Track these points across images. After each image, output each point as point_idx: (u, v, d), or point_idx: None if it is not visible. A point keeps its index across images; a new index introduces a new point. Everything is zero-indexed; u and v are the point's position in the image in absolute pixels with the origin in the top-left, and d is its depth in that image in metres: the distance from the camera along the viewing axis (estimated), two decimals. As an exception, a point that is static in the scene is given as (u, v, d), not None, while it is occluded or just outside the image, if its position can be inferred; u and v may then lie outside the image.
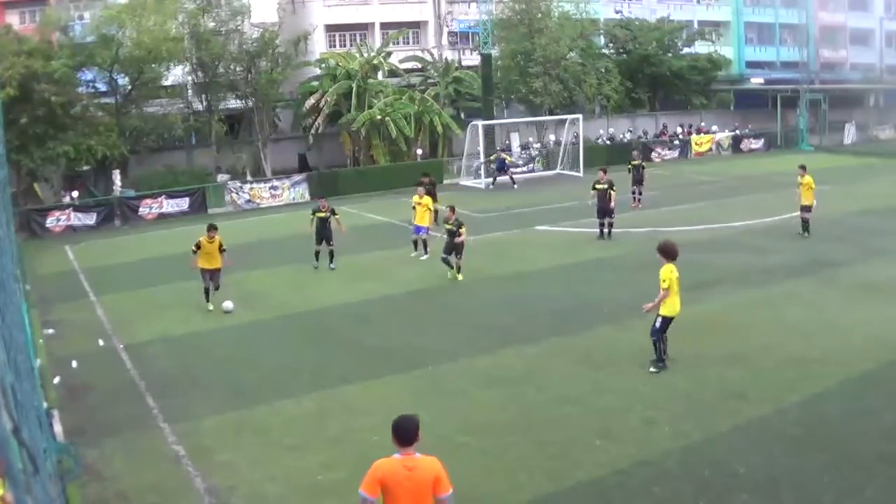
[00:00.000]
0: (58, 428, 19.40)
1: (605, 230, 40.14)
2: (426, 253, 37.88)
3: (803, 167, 38.71)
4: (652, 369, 21.76)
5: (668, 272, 21.85)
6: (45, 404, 17.26)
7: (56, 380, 23.56)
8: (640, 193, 49.03)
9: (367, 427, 19.42)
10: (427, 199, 38.55)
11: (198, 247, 30.50)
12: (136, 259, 41.07)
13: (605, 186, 39.85)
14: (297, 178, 61.52)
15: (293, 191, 59.96)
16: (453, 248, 33.02)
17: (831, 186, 38.38)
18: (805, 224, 38.47)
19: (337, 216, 36.64)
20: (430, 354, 24.33)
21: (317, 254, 36.39)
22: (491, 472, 17.22)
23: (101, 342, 26.89)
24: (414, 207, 38.73)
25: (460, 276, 32.64)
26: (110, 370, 24.42)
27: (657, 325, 22.07)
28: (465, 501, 15.83)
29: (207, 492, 16.76)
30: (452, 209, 33.73)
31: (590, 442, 18.41)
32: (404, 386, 22.24)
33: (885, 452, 17.41)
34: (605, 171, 41.01)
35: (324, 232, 36.20)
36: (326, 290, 32.26)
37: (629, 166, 50.12)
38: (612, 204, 39.90)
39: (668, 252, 22.20)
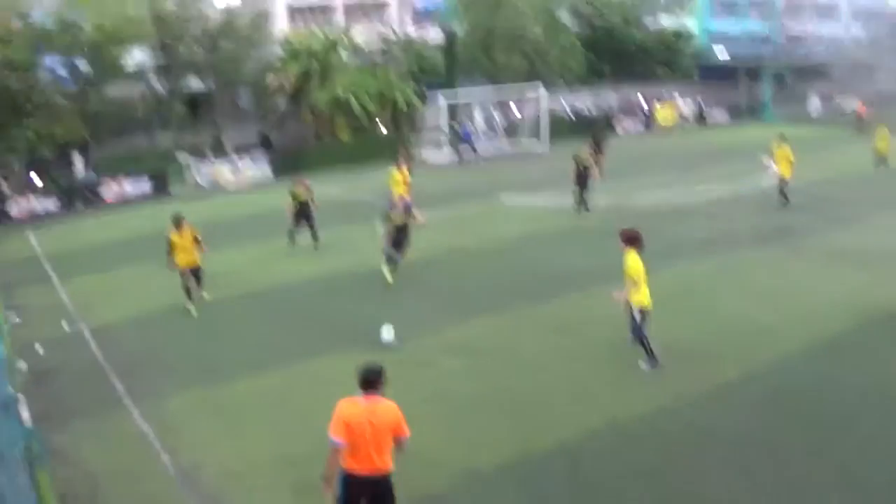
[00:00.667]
0: (25, 414, 19.30)
1: (583, 203, 39.59)
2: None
3: (782, 136, 38.65)
4: (644, 366, 20.22)
5: (635, 262, 20.24)
6: (11, 390, 17.19)
7: (21, 365, 23.43)
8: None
9: (334, 400, 19.07)
10: (405, 174, 38.76)
11: (170, 245, 27.45)
12: (100, 242, 40.90)
13: (585, 158, 39.75)
14: (259, 156, 61.31)
15: (255, 169, 59.77)
16: (401, 241, 29.87)
17: (796, 157, 38.42)
18: (783, 193, 38.27)
19: (314, 202, 36.37)
20: (396, 326, 24.29)
21: (291, 233, 36.03)
22: (460, 439, 17.32)
23: (66, 326, 26.75)
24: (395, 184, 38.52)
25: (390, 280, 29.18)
26: (76, 354, 24.32)
27: (636, 319, 20.35)
28: (432, 469, 15.96)
29: (176, 470, 16.72)
30: (401, 196, 31.96)
31: (559, 408, 18.50)
32: (371, 359, 22.08)
33: (851, 415, 17.58)
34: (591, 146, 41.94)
35: (304, 213, 35.79)
36: (292, 267, 32.19)
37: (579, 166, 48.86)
38: (593, 175, 39.89)
39: (634, 239, 20.58)
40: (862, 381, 19.21)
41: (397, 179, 38.24)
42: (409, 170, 40.33)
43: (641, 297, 20.24)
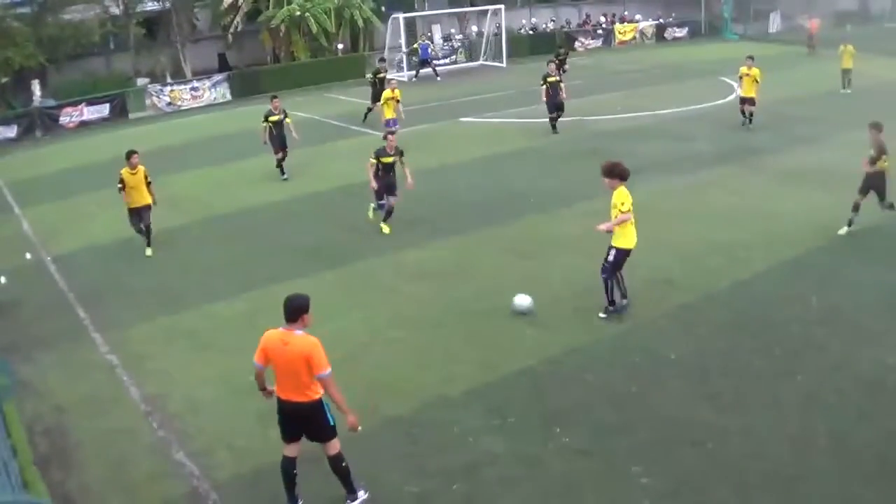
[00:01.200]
0: (-10, 346, 19.36)
1: (556, 123, 38.95)
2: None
3: (751, 58, 37.77)
4: (602, 315, 18.94)
5: (624, 195, 18.20)
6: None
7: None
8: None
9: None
10: (398, 92, 38.70)
11: (122, 183, 25.47)
12: (60, 169, 40.51)
13: (556, 79, 38.46)
14: (218, 77, 60.83)
15: (214, 91, 59.36)
16: (391, 185, 26.84)
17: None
18: (749, 115, 37.75)
19: (289, 119, 33.96)
20: (358, 250, 24.40)
21: (280, 162, 33.95)
22: (424, 365, 17.42)
23: (28, 256, 26.56)
24: (385, 103, 38.31)
25: (387, 229, 26.70)
26: (39, 283, 24.25)
27: (610, 259, 18.70)
28: (400, 395, 16.12)
29: (142, 399, 16.77)
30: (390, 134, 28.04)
31: (521, 331, 18.62)
32: (334, 283, 22.28)
33: (814, 336, 17.79)
34: (554, 64, 39.94)
35: (280, 137, 33.72)
36: (253, 191, 32.05)
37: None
38: (564, 96, 38.75)
39: (620, 173, 18.39)
40: (825, 303, 19.38)
41: (395, 98, 38.06)
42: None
43: (628, 236, 18.61)
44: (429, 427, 15.05)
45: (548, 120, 38.93)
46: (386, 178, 26.30)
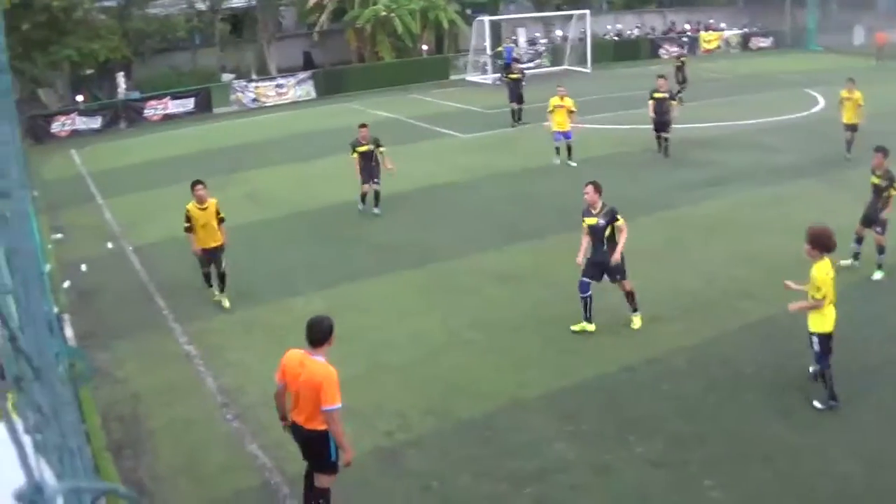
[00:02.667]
0: (69, 332, 19.52)
1: (664, 144, 35.59)
2: (570, 159, 34.77)
3: (852, 80, 34.80)
4: (819, 405, 15.41)
5: (824, 274, 15.35)
6: (55, 309, 17.34)
7: (66, 284, 23.64)
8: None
9: (375, 324, 19.52)
10: (570, 101, 34.84)
11: (189, 221, 21.39)
12: (143, 161, 40.90)
13: (665, 95, 35.19)
14: (303, 75, 61.24)
15: (298, 89, 59.74)
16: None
17: (839, 87, 37.71)
18: (848, 144, 33.81)
19: (382, 148, 29.29)
20: (438, 251, 24.39)
21: (363, 196, 29.38)
22: (500, 368, 17.33)
23: (109, 245, 26.91)
24: (552, 111, 35.11)
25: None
26: (120, 273, 24.51)
27: (816, 348, 15.51)
28: (474, 397, 16.03)
29: (219, 390, 16.89)
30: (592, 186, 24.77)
31: (598, 338, 18.50)
32: (413, 283, 22.30)
33: (891, 354, 17.54)
34: (664, 78, 35.78)
35: (369, 168, 29.09)
36: (333, 188, 32.07)
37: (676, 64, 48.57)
38: (674, 114, 35.43)
39: (823, 242, 15.57)
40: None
41: (566, 107, 34.93)
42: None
43: (826, 317, 15.56)
44: (502, 430, 14.98)
45: (654, 136, 35.98)
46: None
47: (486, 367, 17.35)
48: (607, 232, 18.93)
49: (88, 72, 57.82)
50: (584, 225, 19.28)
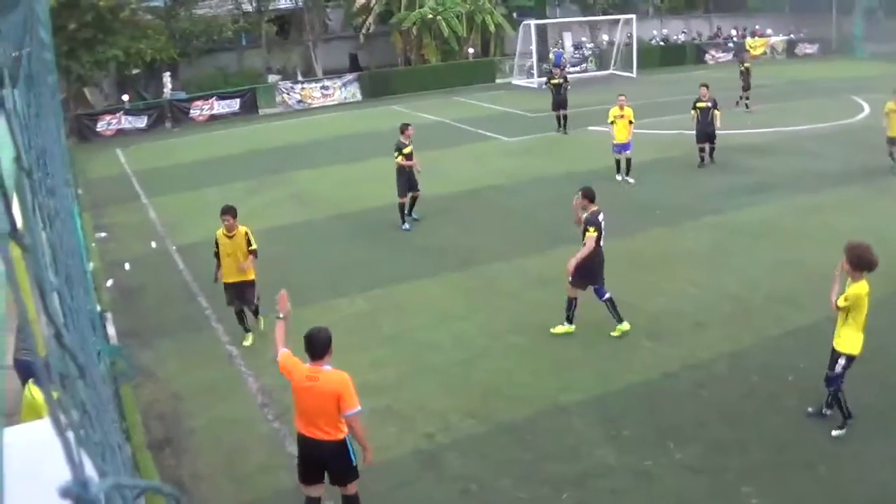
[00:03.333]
0: (111, 330, 19.63)
1: (707, 155, 34.52)
2: (628, 175, 32.88)
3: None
4: (836, 432, 14.73)
5: (859, 292, 14.70)
6: (98, 307, 17.45)
7: (109, 283, 23.80)
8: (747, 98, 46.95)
9: (418, 326, 19.56)
10: (630, 111, 32.69)
11: (217, 246, 19.60)
12: (188, 161, 41.16)
13: (709, 105, 33.42)
14: (348, 77, 61.51)
15: (344, 91, 60.02)
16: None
17: (884, 95, 37.37)
18: (893, 157, 32.62)
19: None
20: (481, 254, 24.39)
21: (402, 207, 28.17)
22: (541, 372, 17.32)
23: (153, 244, 27.10)
24: (613, 122, 32.98)
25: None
26: (163, 272, 24.65)
27: (839, 369, 14.88)
28: (515, 401, 16.03)
29: (260, 390, 16.95)
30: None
31: (640, 344, 18.43)
32: (456, 285, 22.31)
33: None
34: (706, 87, 33.84)
35: (410, 177, 28.10)
36: (378, 190, 32.04)
37: (741, 69, 47.80)
38: (717, 125, 33.80)
39: (864, 262, 14.75)
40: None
41: (625, 117, 32.83)
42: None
43: (854, 339, 15.01)
44: (542, 434, 14.97)
45: (696, 147, 34.66)
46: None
47: (527, 371, 17.35)
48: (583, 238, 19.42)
49: (135, 71, 58.20)
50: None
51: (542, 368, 17.44)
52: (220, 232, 19.42)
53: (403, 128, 28.36)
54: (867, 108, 42.52)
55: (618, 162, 33.04)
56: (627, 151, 32.65)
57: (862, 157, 34.88)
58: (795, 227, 26.04)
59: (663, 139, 39.24)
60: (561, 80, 43.57)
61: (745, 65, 47.71)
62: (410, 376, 17.13)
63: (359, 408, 11.37)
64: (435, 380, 17.03)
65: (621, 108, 32.82)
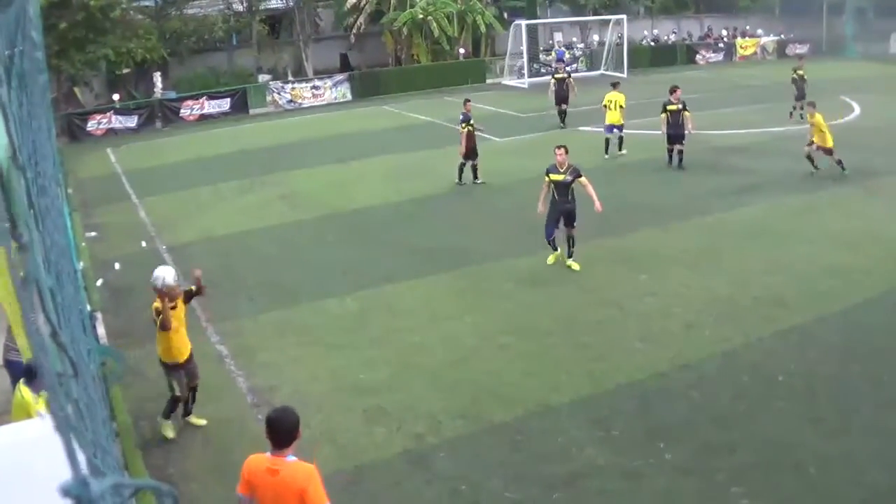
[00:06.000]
0: (101, 330, 19.62)
1: (675, 157, 34.50)
2: (621, 149, 37.07)
3: (812, 104, 33.69)
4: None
5: None
6: (88, 307, 17.44)
7: (99, 282, 23.78)
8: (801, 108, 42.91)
9: (408, 327, 19.56)
10: (621, 97, 36.99)
11: (158, 314, 15.43)
12: (178, 160, 41.10)
13: (679, 107, 34.07)
14: (339, 77, 61.49)
15: (335, 90, 59.98)
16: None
17: (875, 95, 37.41)
18: (809, 157, 32.51)
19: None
20: (472, 254, 24.39)
21: (462, 167, 32.83)
22: (532, 372, 17.30)
23: (143, 244, 27.06)
24: (606, 105, 37.02)
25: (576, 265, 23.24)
26: (153, 272, 24.60)
27: None
28: (505, 401, 16.04)
29: (250, 391, 16.94)
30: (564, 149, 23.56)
31: (630, 345, 18.46)
32: (447, 286, 22.31)
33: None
34: (677, 89, 34.44)
35: (475, 144, 32.76)
36: (369, 190, 32.19)
37: (794, 76, 45.30)
38: (690, 126, 34.12)
39: None
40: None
41: (616, 102, 36.01)
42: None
43: None
44: (532, 435, 14.99)
45: (666, 148, 35.13)
46: (561, 203, 22.88)
47: (517, 372, 17.33)
48: (572, 186, 22.62)
49: (125, 71, 58.13)
50: (549, 179, 22.47)
51: (532, 369, 17.43)
52: (158, 302, 15.52)
53: (466, 101, 33.48)
54: (857, 109, 42.58)
55: (607, 141, 36.23)
56: (617, 131, 35.99)
57: (853, 156, 34.85)
58: (786, 227, 26.08)
59: (653, 139, 39.18)
60: (564, 76, 44.85)
61: (799, 71, 45.37)
62: (400, 377, 17.13)
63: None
64: (425, 380, 17.03)
65: (614, 95, 36.47)
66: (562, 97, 44.61)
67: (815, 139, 32.27)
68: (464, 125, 32.44)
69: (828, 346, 18.23)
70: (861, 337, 18.71)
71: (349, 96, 59.80)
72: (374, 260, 24.57)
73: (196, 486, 14.00)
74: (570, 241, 22.94)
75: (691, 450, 14.44)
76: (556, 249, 23.26)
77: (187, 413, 16.13)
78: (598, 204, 22.64)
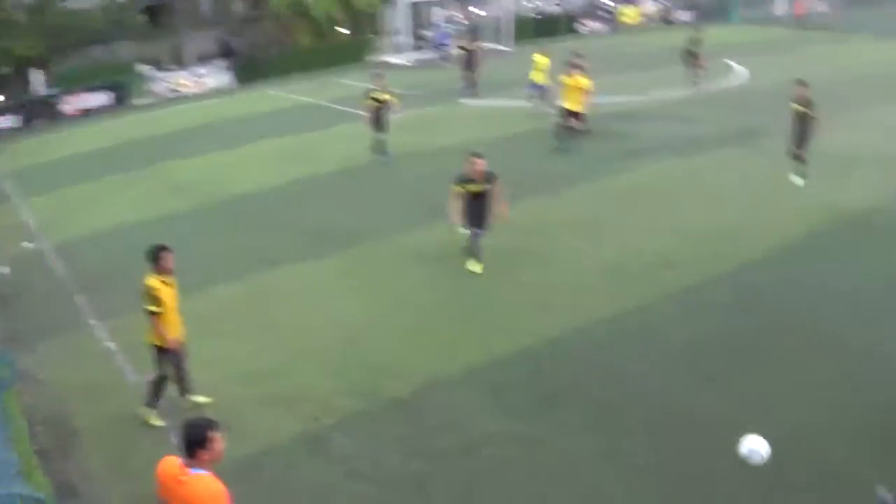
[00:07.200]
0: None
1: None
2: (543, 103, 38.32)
3: (575, 64, 32.60)
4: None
5: None
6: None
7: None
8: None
9: (298, 310, 19.50)
10: (545, 61, 38.72)
11: (154, 297, 15.16)
12: (61, 157, 40.33)
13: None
14: (221, 64, 60.90)
15: (217, 77, 59.37)
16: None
17: (762, 57, 37.85)
18: (570, 130, 31.91)
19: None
20: (360, 233, 24.34)
21: (376, 143, 32.80)
22: (424, 347, 17.45)
23: (29, 245, 26.57)
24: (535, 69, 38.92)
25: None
26: (40, 272, 24.20)
27: None
28: (399, 377, 16.12)
29: (142, 386, 16.72)
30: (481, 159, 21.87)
31: (522, 312, 18.67)
32: (334, 266, 22.27)
33: (814, 319, 17.85)
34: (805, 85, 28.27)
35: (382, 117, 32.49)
36: (255, 175, 31.90)
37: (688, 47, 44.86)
38: (814, 131, 26.82)
39: None
40: (828, 284, 19.47)
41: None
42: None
43: None
44: (427, 408, 15.10)
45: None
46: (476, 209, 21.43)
47: (409, 347, 17.44)
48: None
49: (4, 70, 57.14)
50: (465, 190, 21.01)
51: (425, 344, 17.55)
52: (153, 279, 15.30)
53: (377, 75, 34.40)
54: (741, 72, 43.03)
55: (531, 97, 38.81)
56: (543, 90, 37.41)
57: (737, 119, 35.43)
58: (672, 190, 26.42)
59: (537, 111, 39.40)
60: (470, 47, 46.83)
61: (695, 41, 44.92)
62: (292, 360, 17.08)
63: None
64: (317, 362, 17.04)
65: (539, 57, 38.75)
66: (469, 66, 45.97)
67: (567, 102, 32.03)
68: (371, 97, 32.57)
69: (719, 305, 18.54)
70: (750, 295, 19.01)
71: (232, 82, 59.26)
72: (263, 245, 24.39)
73: (98, 485, 13.87)
74: (477, 245, 21.28)
75: (587, 412, 14.70)
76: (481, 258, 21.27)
77: (187, 391, 15.66)
78: (505, 212, 21.08)
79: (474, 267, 21.08)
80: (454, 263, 21.77)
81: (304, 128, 37.62)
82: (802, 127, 25.94)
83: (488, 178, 21.12)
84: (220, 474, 8.82)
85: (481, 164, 20.97)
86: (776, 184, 26.58)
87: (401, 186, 28.47)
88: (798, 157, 26.14)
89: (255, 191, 29.92)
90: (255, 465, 13.55)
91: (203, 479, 8.76)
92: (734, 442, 12.26)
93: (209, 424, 8.92)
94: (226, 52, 66.62)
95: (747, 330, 17.30)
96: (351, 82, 52.70)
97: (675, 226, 23.31)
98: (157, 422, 15.47)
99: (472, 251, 21.20)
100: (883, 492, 10.89)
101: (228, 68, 60.12)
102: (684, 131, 33.79)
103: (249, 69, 59.53)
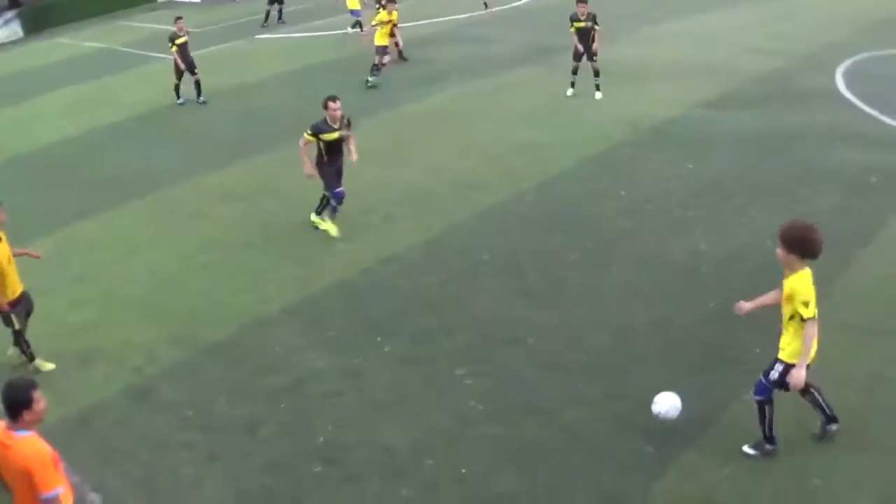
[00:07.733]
0: None
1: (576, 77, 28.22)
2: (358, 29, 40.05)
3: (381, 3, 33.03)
4: (750, 451, 11.34)
5: (807, 284, 10.35)
6: None
7: None
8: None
9: (109, 261, 19.15)
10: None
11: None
12: None
13: (587, 24, 27.24)
14: (9, 15, 59.13)
15: (6, 29, 57.67)
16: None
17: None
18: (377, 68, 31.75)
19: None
20: (163, 178, 23.96)
21: (177, 87, 32.05)
22: (238, 287, 17.35)
23: None
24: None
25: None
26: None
27: (774, 375, 10.83)
28: (217, 320, 16.00)
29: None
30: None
31: (333, 246, 18.68)
32: (141, 213, 21.86)
33: (625, 227, 18.30)
34: (585, 2, 27.50)
35: (190, 59, 31.86)
36: (48, 127, 31.04)
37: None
38: (596, 45, 27.51)
39: (806, 246, 10.33)
40: (633, 195, 19.92)
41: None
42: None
43: (798, 342, 10.59)
44: (250, 349, 15.02)
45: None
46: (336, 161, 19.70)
47: (224, 289, 17.33)
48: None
49: None
50: (321, 139, 18.94)
51: (239, 284, 17.47)
52: None
53: (177, 19, 32.34)
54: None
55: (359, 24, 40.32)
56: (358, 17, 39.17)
57: (531, 37, 35.78)
58: (473, 111, 26.66)
59: (331, 40, 39.29)
60: None
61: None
62: (109, 313, 16.79)
63: (58, 490, 8.38)
64: (134, 312, 16.73)
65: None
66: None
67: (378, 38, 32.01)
68: (173, 43, 31.45)
69: (529, 221, 18.81)
70: (558, 208, 19.34)
71: (21, 34, 57.63)
72: (65, 198, 23.76)
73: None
74: (326, 200, 19.54)
75: (409, 339, 14.79)
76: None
77: (31, 358, 15.03)
78: (354, 155, 19.28)
79: (333, 230, 19.28)
80: (260, 200, 21.74)
81: (97, 74, 36.87)
82: (586, 42, 26.45)
83: (346, 122, 19.16)
84: (50, 434, 8.61)
85: (339, 109, 18.78)
86: (574, 99, 27.02)
87: (199, 128, 28.23)
88: (594, 71, 26.66)
89: (52, 143, 29.16)
90: (84, 422, 13.31)
91: (29, 441, 8.48)
92: (559, 352, 12.55)
93: (32, 384, 8.61)
94: (13, 3, 64.80)
95: (560, 243, 17.57)
96: (139, 24, 51.85)
97: (480, 146, 23.52)
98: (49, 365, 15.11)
99: (331, 213, 19.49)
100: (93, 496, 10.59)
101: (16, 19, 58.38)
102: (481, 52, 34.04)
103: (38, 18, 58.03)
